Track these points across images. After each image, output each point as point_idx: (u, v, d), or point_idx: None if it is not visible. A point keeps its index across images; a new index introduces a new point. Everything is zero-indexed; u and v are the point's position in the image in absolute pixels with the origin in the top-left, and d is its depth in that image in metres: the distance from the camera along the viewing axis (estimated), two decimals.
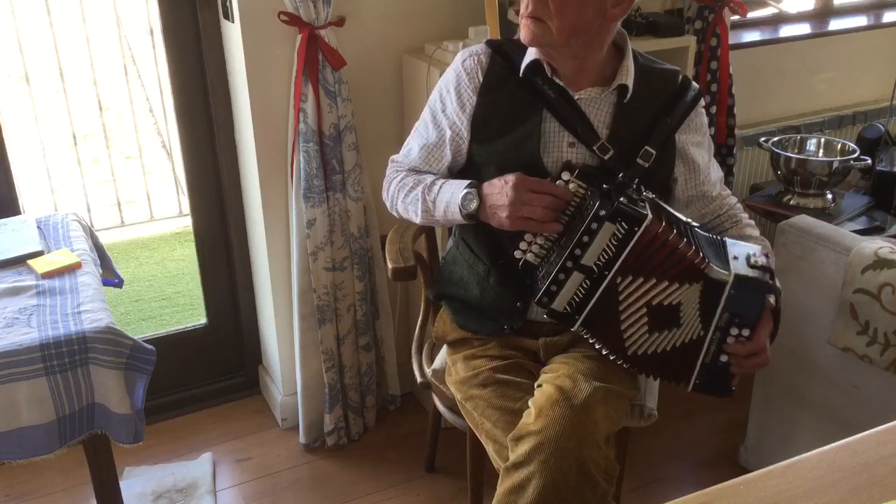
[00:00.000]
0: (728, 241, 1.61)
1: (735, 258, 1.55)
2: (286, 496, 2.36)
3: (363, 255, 2.39)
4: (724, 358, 1.56)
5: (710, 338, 1.55)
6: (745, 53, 2.99)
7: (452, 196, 1.69)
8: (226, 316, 2.71)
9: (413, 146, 1.83)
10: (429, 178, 1.77)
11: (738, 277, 1.50)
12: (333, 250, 2.33)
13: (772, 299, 1.55)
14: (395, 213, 1.88)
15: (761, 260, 1.55)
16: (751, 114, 3.11)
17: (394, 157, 1.90)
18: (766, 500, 1.09)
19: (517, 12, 2.28)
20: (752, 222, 1.81)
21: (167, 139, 4.49)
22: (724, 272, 1.50)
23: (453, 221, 1.73)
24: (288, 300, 2.45)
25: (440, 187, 1.73)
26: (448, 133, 1.75)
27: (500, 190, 1.60)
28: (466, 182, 1.68)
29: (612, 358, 1.61)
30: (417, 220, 1.79)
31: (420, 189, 1.76)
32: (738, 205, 1.84)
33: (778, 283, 1.58)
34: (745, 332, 1.54)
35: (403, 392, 2.69)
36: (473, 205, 1.64)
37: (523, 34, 1.63)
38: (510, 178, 1.59)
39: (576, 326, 1.57)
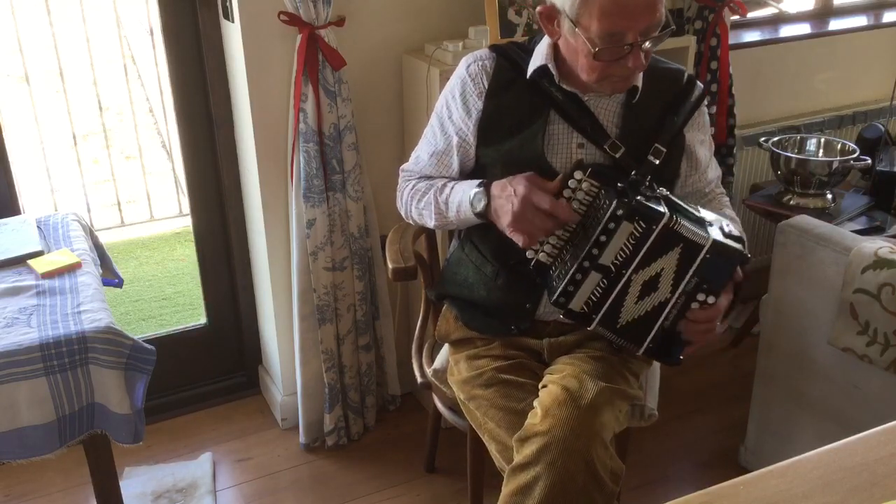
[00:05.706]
0: (701, 210, 1.60)
1: (710, 224, 1.53)
2: (286, 496, 2.36)
3: (363, 255, 2.39)
4: (682, 325, 1.53)
5: (673, 301, 1.51)
6: (745, 53, 2.99)
7: (464, 194, 1.68)
8: (226, 316, 2.71)
9: (422, 154, 1.84)
10: (440, 181, 1.78)
11: (714, 243, 1.48)
12: (333, 250, 2.33)
13: (740, 271, 1.53)
14: (410, 221, 1.89)
15: (735, 230, 1.54)
16: (751, 114, 3.11)
17: (404, 166, 1.90)
18: (766, 500, 1.09)
19: (517, 12, 2.29)
20: (732, 210, 1.81)
21: (167, 139, 4.49)
22: (703, 235, 1.49)
23: (467, 221, 1.72)
24: (288, 300, 2.45)
25: (452, 188, 1.74)
26: (455, 139, 1.75)
27: (508, 196, 1.57)
28: (477, 181, 1.68)
29: (601, 332, 1.58)
30: (431, 223, 1.79)
31: (432, 192, 1.77)
32: (726, 198, 1.84)
33: (748, 253, 1.55)
34: (711, 300, 1.51)
35: (403, 392, 2.69)
36: (482, 204, 1.63)
37: (622, 87, 1.62)
38: (520, 187, 1.55)
39: (593, 326, 1.55)
